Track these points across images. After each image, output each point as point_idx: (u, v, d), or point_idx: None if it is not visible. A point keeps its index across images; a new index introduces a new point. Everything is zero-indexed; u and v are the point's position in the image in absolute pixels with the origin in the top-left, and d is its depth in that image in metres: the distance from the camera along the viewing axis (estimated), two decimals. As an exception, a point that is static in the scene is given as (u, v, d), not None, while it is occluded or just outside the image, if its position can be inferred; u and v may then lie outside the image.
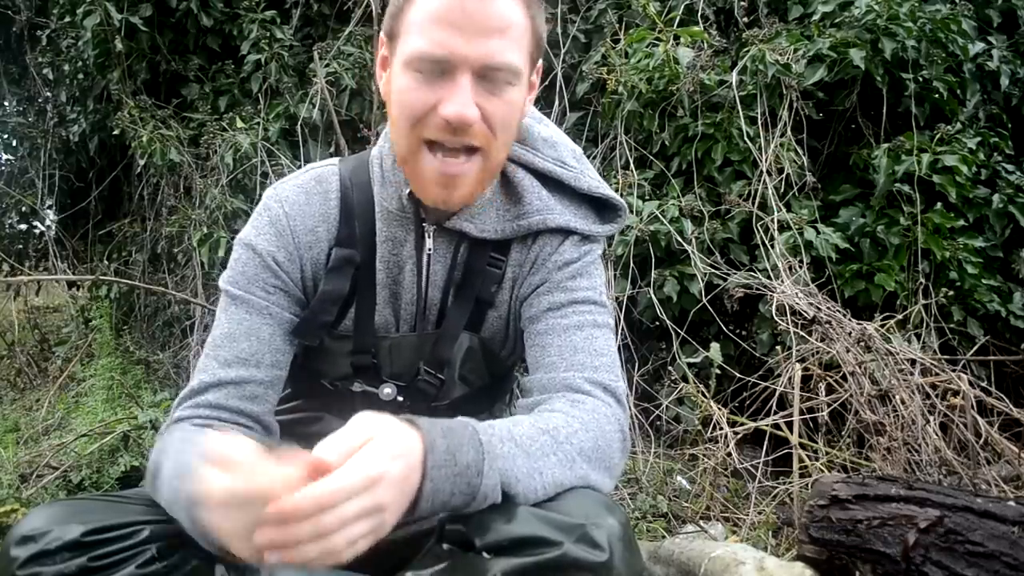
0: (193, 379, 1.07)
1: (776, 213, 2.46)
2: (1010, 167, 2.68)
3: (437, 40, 0.93)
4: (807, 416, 2.02)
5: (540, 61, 1.06)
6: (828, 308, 2.22)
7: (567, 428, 0.94)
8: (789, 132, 2.60)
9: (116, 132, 3.55)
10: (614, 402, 1.03)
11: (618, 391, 1.04)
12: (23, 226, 4.67)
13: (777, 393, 2.09)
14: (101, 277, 3.72)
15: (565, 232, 1.12)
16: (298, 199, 1.11)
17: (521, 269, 1.14)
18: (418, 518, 0.84)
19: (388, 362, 1.13)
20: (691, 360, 2.31)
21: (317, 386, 1.16)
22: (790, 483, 1.89)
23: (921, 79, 2.62)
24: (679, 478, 2.17)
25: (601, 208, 1.16)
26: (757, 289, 2.34)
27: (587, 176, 1.14)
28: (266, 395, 1.06)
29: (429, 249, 1.11)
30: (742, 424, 2.08)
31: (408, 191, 1.07)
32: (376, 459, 0.76)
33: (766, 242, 2.44)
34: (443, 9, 0.93)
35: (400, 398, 1.12)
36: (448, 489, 0.81)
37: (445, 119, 0.94)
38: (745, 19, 2.94)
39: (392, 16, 0.99)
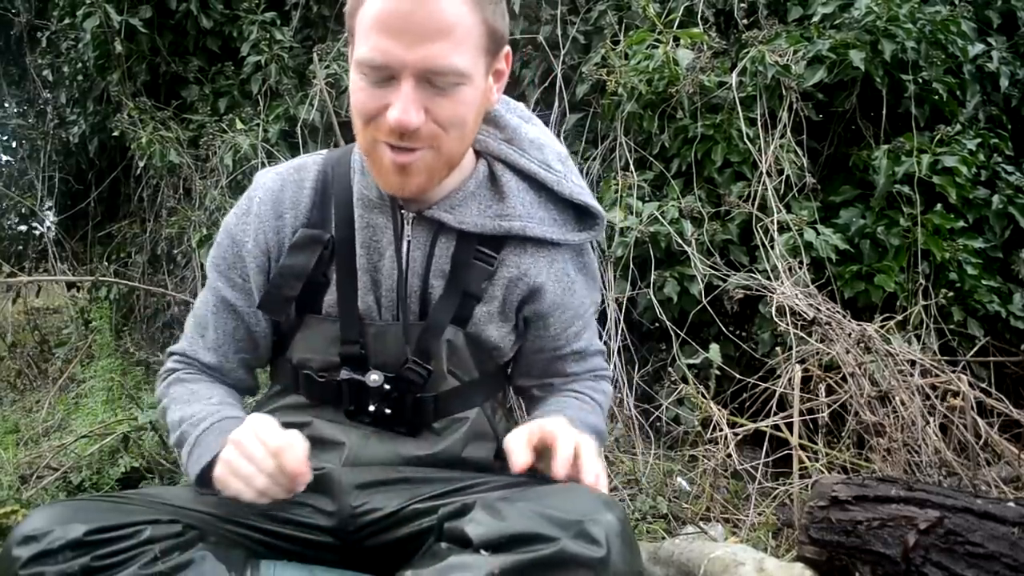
0: (183, 339, 1.23)
1: (776, 214, 2.46)
2: (1010, 168, 2.68)
3: (379, 47, 0.94)
4: (807, 417, 2.01)
5: (506, 48, 1.06)
6: (828, 309, 2.21)
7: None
8: (789, 133, 2.59)
9: (116, 134, 3.55)
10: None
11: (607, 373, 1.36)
12: (23, 227, 4.67)
13: (777, 394, 2.08)
14: (101, 278, 3.71)
15: (558, 244, 1.18)
16: (273, 186, 1.16)
17: (516, 271, 1.15)
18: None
19: (375, 351, 1.14)
20: (691, 361, 2.30)
21: (304, 378, 1.17)
22: (790, 484, 1.89)
23: (921, 80, 2.61)
24: (679, 479, 2.17)
25: (582, 212, 1.18)
26: (757, 290, 2.34)
27: (570, 181, 1.16)
28: (244, 366, 1.23)
29: (408, 236, 1.12)
30: (742, 425, 2.07)
31: None
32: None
33: (766, 243, 2.43)
34: (384, 15, 0.93)
35: (387, 386, 1.12)
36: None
37: (389, 125, 0.96)
38: (745, 20, 2.94)
39: (349, 14, 1.01)
